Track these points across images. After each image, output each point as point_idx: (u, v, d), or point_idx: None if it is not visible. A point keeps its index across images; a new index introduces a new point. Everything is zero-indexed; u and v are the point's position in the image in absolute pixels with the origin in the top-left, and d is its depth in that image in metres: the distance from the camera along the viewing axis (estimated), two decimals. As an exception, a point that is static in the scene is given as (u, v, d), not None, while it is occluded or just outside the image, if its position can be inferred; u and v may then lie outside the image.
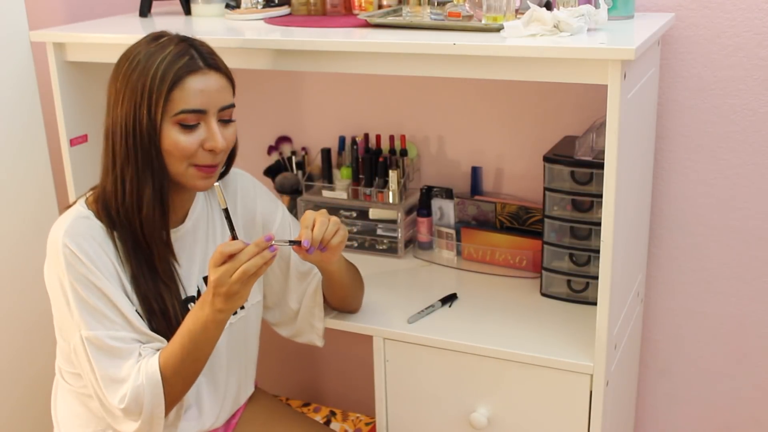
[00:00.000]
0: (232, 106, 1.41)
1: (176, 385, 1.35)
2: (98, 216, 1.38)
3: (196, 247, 1.49)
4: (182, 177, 1.38)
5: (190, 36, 1.40)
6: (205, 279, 1.49)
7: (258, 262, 1.28)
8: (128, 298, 1.37)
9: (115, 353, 1.33)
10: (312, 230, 1.39)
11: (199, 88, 1.34)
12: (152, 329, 1.38)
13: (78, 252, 1.33)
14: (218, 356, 1.50)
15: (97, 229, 1.37)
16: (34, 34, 1.74)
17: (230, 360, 1.54)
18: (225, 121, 1.40)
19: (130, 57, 1.36)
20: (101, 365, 1.33)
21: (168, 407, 1.35)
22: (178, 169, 1.37)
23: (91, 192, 1.43)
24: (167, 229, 1.41)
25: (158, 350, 1.36)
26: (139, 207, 1.36)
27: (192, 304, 1.46)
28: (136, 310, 1.37)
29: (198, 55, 1.36)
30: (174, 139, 1.34)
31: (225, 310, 1.31)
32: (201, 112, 1.35)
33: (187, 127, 1.35)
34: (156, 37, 1.38)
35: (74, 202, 1.44)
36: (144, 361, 1.33)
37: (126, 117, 1.34)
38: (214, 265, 1.29)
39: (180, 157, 1.36)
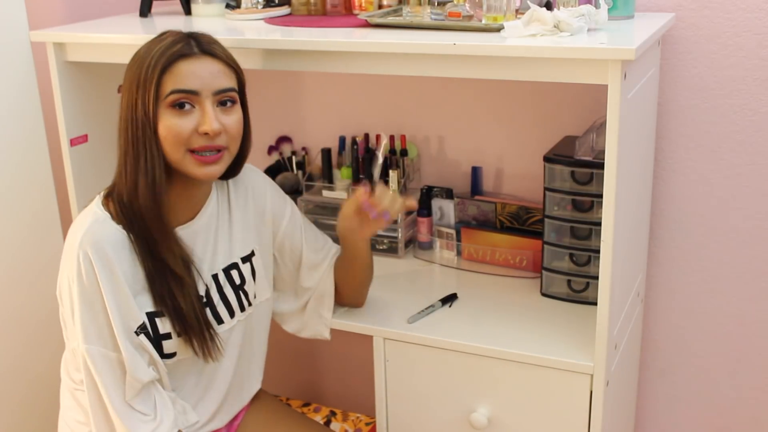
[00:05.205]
0: (232, 90, 1.38)
1: None
2: (115, 217, 1.36)
3: (208, 246, 1.48)
4: (181, 164, 1.36)
5: (196, 31, 1.39)
6: (215, 277, 1.48)
7: None
8: (141, 305, 1.36)
9: (110, 372, 1.34)
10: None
11: (190, 71, 1.33)
12: (169, 329, 1.38)
13: (93, 260, 1.31)
14: (224, 355, 1.50)
15: (115, 233, 1.35)
16: (34, 34, 1.74)
17: (236, 358, 1.53)
18: (225, 107, 1.38)
19: (134, 55, 1.37)
20: (103, 379, 1.34)
21: None
22: (176, 156, 1.35)
23: (106, 191, 1.42)
24: (166, 221, 1.38)
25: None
26: (136, 196, 1.35)
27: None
28: (144, 323, 1.35)
29: (195, 43, 1.36)
30: (168, 123, 1.33)
31: None
32: (193, 93, 1.33)
33: (182, 111, 1.33)
34: (160, 34, 1.38)
35: (91, 200, 1.42)
36: (182, 417, 1.41)
37: (126, 107, 1.35)
38: None
39: (175, 142, 1.34)
